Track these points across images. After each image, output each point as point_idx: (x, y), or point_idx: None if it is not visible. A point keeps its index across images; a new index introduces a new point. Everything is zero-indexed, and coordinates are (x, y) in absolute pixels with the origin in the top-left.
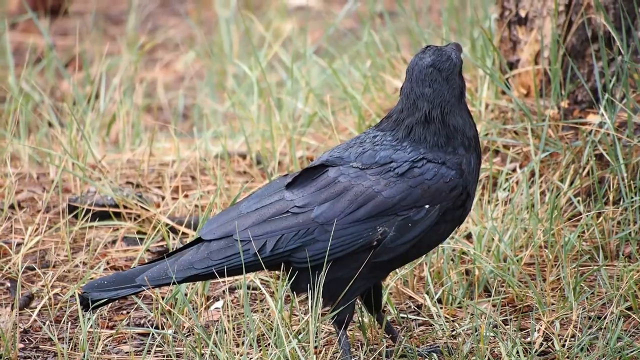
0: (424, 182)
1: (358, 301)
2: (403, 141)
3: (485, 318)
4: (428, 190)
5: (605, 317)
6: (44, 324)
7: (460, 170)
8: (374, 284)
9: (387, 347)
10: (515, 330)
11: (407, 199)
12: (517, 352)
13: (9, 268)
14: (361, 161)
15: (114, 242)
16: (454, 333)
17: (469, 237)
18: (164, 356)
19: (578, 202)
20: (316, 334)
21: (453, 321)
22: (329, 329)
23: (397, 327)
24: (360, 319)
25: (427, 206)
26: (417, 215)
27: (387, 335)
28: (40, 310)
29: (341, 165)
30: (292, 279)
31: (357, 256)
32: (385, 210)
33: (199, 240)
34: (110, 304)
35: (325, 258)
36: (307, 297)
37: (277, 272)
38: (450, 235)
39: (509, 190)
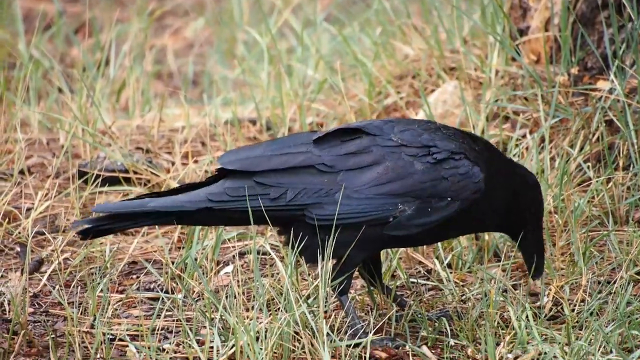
0: (456, 175)
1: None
2: (452, 136)
3: (494, 283)
4: (456, 184)
5: (614, 282)
6: (54, 288)
7: (485, 184)
8: (373, 255)
9: (396, 312)
10: (524, 295)
11: (436, 187)
12: (527, 316)
13: (19, 233)
14: (401, 137)
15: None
16: (463, 298)
17: None
18: (173, 320)
19: (588, 167)
20: (326, 298)
21: (463, 286)
22: (336, 294)
23: (407, 291)
24: (367, 285)
25: (449, 199)
26: (438, 203)
27: (395, 304)
28: (50, 275)
29: (377, 135)
30: (301, 243)
31: (370, 227)
32: (411, 192)
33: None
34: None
35: (340, 220)
36: (311, 261)
37: (279, 231)
38: None
39: (519, 156)
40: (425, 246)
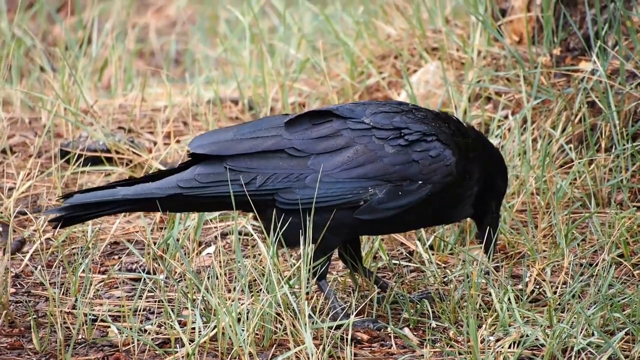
0: (427, 157)
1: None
2: (424, 118)
3: (476, 265)
4: (427, 167)
5: (596, 264)
6: (36, 268)
7: (457, 168)
8: (351, 239)
9: (378, 293)
10: (506, 277)
11: (407, 170)
12: (509, 298)
13: (1, 213)
14: (373, 120)
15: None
16: (445, 279)
17: None
18: (155, 301)
19: (570, 149)
20: (307, 279)
21: (444, 268)
22: (315, 280)
23: (389, 273)
24: (350, 267)
25: (420, 182)
26: (409, 186)
27: (376, 286)
28: (32, 255)
29: (349, 118)
30: (279, 224)
31: (341, 211)
32: (382, 175)
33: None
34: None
35: (310, 205)
36: (290, 243)
37: (247, 212)
38: None
39: (501, 137)
40: None
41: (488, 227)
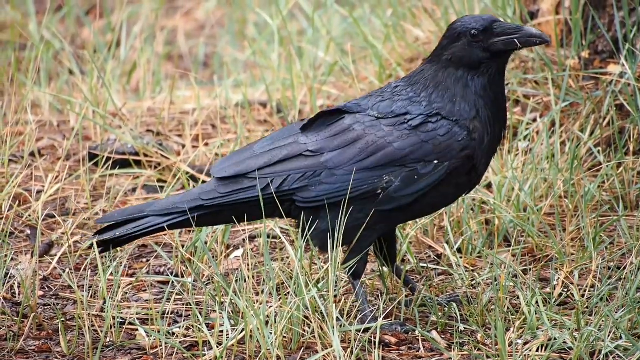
0: (436, 137)
1: (371, 253)
2: (420, 94)
3: (504, 268)
4: (439, 146)
5: (624, 268)
6: (64, 271)
7: (471, 136)
8: (385, 236)
9: (406, 296)
10: (534, 280)
11: (418, 152)
12: (537, 302)
13: (29, 215)
14: (377, 110)
15: (134, 190)
16: (473, 283)
17: (489, 186)
18: (183, 304)
19: (598, 152)
20: (336, 282)
21: (472, 271)
22: (349, 278)
23: (417, 276)
24: (380, 268)
25: (435, 161)
26: (425, 169)
27: (405, 288)
28: (60, 258)
29: (358, 112)
30: (307, 226)
31: (361, 203)
32: (394, 161)
33: None
34: (129, 244)
35: (329, 200)
36: (320, 245)
37: (277, 217)
38: None
39: (529, 140)
40: (435, 231)
41: None
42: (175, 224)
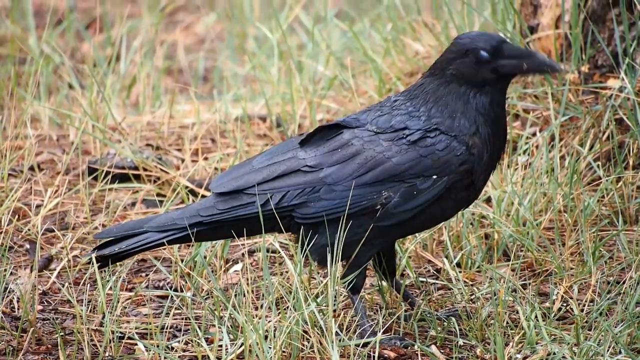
0: (435, 152)
1: (371, 267)
2: (419, 109)
3: (504, 282)
4: (438, 161)
5: (624, 282)
6: (63, 285)
7: (470, 151)
8: (384, 250)
9: (405, 311)
10: (534, 295)
11: (416, 167)
12: (536, 316)
13: (29, 230)
14: (376, 125)
15: (133, 204)
16: (472, 297)
17: (488, 201)
18: (182, 319)
19: (598, 166)
20: (335, 297)
21: (472, 285)
22: (347, 293)
23: (416, 290)
24: (379, 282)
25: (434, 177)
26: (424, 184)
27: (404, 302)
28: (59, 272)
29: (357, 127)
30: (306, 241)
31: (360, 219)
32: (393, 176)
33: None
34: (126, 260)
35: (327, 216)
36: (319, 260)
37: (277, 232)
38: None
39: (528, 154)
40: (434, 245)
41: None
42: (174, 240)
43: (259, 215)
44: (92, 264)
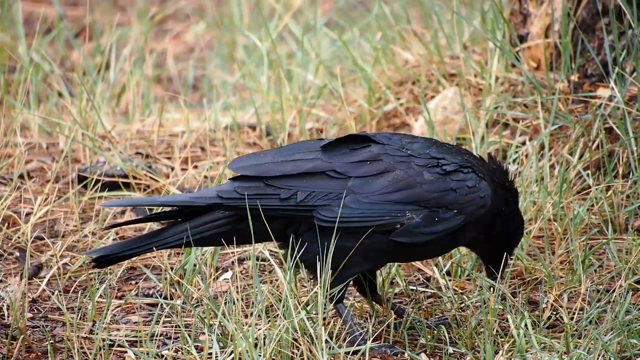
0: (464, 187)
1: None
2: (455, 152)
3: (493, 291)
4: (464, 197)
5: (614, 291)
6: (53, 293)
7: (492, 198)
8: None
9: (395, 319)
10: (523, 303)
11: (444, 198)
12: (526, 324)
13: (18, 238)
14: (411, 148)
15: (123, 212)
16: (462, 305)
17: None
18: (172, 326)
19: (587, 175)
20: (325, 305)
21: (461, 294)
22: (332, 304)
23: (406, 299)
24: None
25: (455, 211)
26: (445, 214)
27: (392, 312)
28: (49, 280)
29: (387, 144)
30: (303, 249)
31: (376, 234)
32: (420, 201)
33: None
34: (123, 263)
35: (347, 223)
36: (312, 268)
37: (280, 245)
38: None
39: (518, 163)
40: None
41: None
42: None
43: (279, 207)
44: (84, 270)
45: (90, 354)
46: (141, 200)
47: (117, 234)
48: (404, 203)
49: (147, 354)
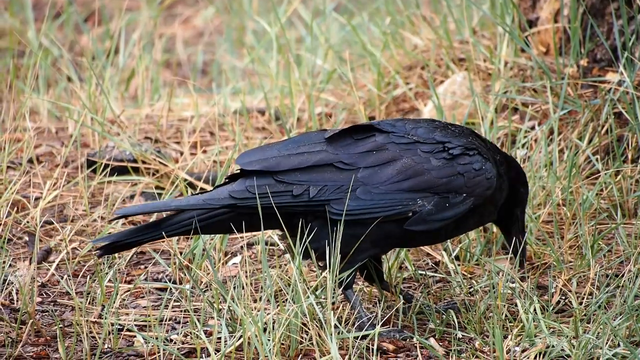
0: (471, 170)
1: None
2: (460, 133)
3: (502, 275)
4: (472, 180)
5: (622, 275)
6: (62, 277)
7: (498, 180)
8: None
9: (403, 304)
10: (532, 288)
11: (452, 183)
12: (535, 309)
13: (28, 222)
14: (414, 134)
15: (132, 197)
16: (471, 290)
17: None
18: (181, 311)
19: (596, 160)
20: (334, 290)
21: (470, 278)
22: (341, 290)
23: (415, 283)
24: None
25: (464, 194)
26: (454, 199)
27: (401, 297)
28: (58, 264)
29: (392, 132)
30: (314, 238)
31: (388, 223)
32: (429, 188)
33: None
34: (130, 250)
35: (360, 215)
36: (322, 252)
37: (283, 235)
38: None
39: (527, 148)
40: None
41: (515, 237)
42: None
43: (293, 204)
44: (93, 255)
45: (99, 338)
46: (154, 205)
47: (126, 218)
48: (414, 191)
49: (156, 338)
